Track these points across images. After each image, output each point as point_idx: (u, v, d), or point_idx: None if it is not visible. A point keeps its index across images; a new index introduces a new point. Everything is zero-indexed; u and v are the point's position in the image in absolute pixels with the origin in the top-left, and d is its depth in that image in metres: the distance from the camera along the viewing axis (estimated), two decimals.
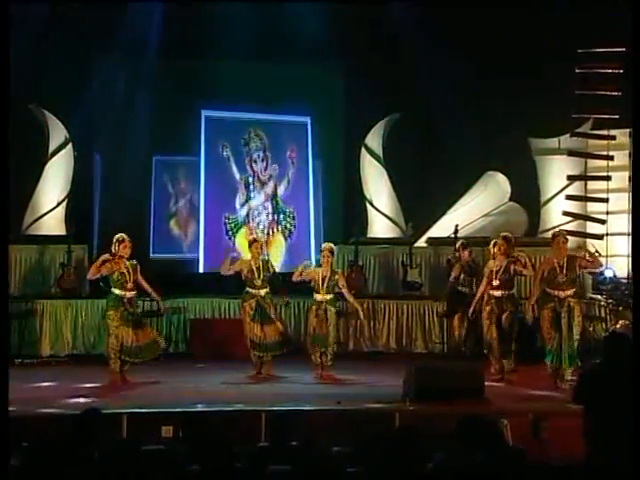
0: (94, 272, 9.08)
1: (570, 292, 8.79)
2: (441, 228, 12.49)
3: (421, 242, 12.38)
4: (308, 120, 12.78)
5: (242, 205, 12.60)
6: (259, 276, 9.32)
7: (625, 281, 10.55)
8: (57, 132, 12.36)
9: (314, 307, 9.38)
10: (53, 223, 12.28)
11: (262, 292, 9.35)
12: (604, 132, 11.88)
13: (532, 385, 8.93)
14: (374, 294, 11.82)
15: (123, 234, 8.98)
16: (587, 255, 8.92)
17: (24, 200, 12.18)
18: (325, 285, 9.30)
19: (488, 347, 9.20)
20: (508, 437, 6.27)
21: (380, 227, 12.91)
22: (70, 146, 12.36)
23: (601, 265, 9.68)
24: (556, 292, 8.78)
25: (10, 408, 7.11)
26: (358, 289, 11.61)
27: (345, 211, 12.83)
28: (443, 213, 12.61)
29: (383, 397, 7.99)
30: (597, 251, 9.26)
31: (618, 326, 9.63)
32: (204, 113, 12.56)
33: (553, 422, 6.89)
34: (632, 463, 3.98)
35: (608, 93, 11.53)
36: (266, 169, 12.77)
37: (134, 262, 9.01)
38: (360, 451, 4.74)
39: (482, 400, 7.81)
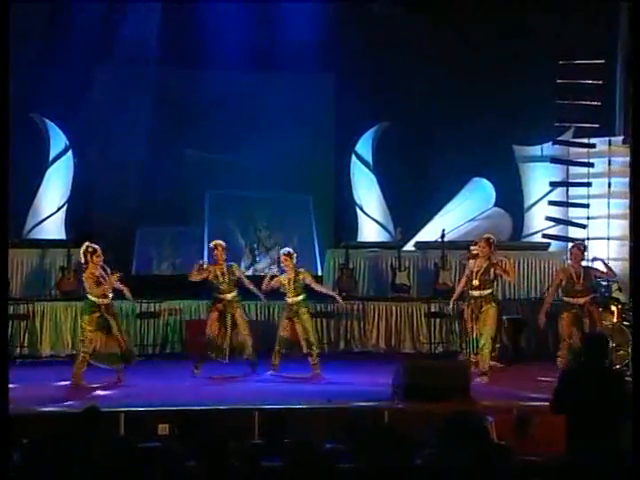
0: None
1: (588, 299, 9.19)
2: (428, 233, 12.50)
3: (409, 246, 12.38)
4: (310, 199, 12.73)
5: (247, 268, 12.41)
6: (223, 280, 9.30)
7: (605, 283, 10.56)
8: (57, 140, 12.33)
9: (286, 310, 9.45)
10: (53, 228, 12.24)
11: (229, 296, 9.34)
12: (585, 140, 11.93)
13: (516, 384, 8.95)
14: (364, 296, 11.80)
15: (94, 245, 8.93)
16: (602, 266, 9.46)
17: (26, 205, 12.15)
18: (292, 287, 9.33)
19: (468, 345, 9.20)
20: (493, 434, 6.27)
21: (370, 232, 12.91)
22: (70, 153, 12.33)
23: (615, 275, 10.04)
24: (574, 300, 9.23)
25: (11, 406, 7.11)
26: (349, 291, 11.62)
27: (336, 216, 12.82)
28: (430, 218, 12.62)
29: (373, 395, 7.99)
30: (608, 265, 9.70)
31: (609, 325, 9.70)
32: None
33: (536, 419, 6.90)
34: (632, 463, 3.91)
35: (588, 103, 11.60)
36: (270, 237, 12.77)
37: (116, 272, 8.92)
38: (351, 448, 4.74)
39: (468, 398, 7.81)
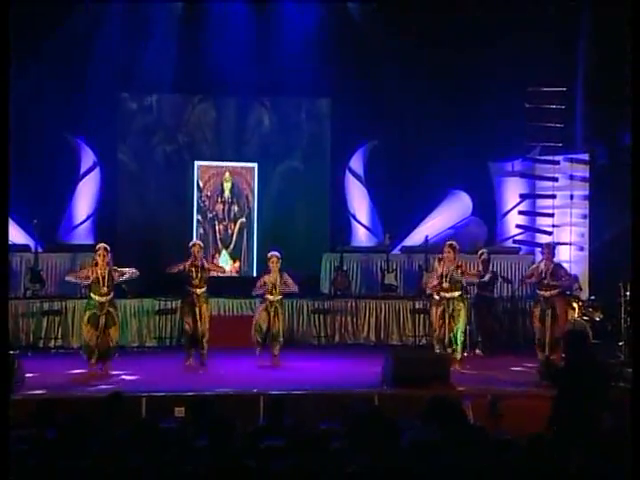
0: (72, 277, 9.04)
1: (554, 292, 9.11)
2: (414, 238, 12.48)
3: (397, 250, 12.36)
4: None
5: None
6: (196, 276, 9.12)
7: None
8: (87, 157, 12.31)
9: (266, 305, 9.30)
10: (83, 233, 12.21)
11: (198, 291, 9.15)
12: (550, 157, 11.94)
13: (491, 372, 8.94)
14: (357, 295, 11.78)
15: (100, 244, 8.85)
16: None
17: (60, 214, 12.13)
18: (277, 289, 9.27)
19: (439, 341, 9.10)
20: (470, 415, 6.26)
21: (362, 237, 12.89)
22: (98, 169, 12.31)
23: (575, 282, 10.18)
24: (542, 292, 9.19)
25: (45, 390, 7.10)
26: (343, 290, 11.61)
27: (332, 224, 12.78)
28: (416, 225, 12.60)
29: (364, 382, 7.98)
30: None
31: (572, 320, 9.70)
32: None
33: (507, 402, 6.89)
34: (632, 463, 3.87)
35: (552, 125, 11.62)
36: None
37: (112, 269, 8.75)
38: (344, 428, 4.73)
39: (448, 384, 7.80)
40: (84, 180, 12.30)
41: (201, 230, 12.57)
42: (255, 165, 12.69)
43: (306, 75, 11.74)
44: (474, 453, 4.21)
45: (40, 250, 11.21)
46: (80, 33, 11.55)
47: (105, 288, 8.65)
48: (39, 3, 11.01)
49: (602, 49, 11.14)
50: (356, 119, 12.19)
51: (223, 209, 12.64)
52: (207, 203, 12.62)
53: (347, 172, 12.85)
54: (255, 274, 11.99)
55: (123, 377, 8.56)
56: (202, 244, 9.50)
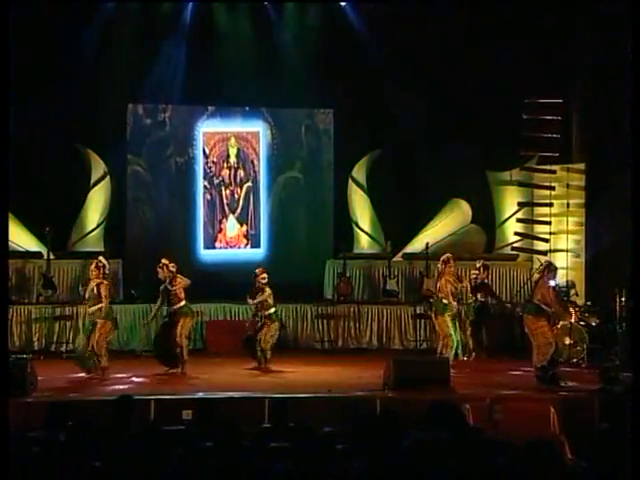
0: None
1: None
2: (415, 245, 12.48)
3: (398, 257, 12.37)
4: None
5: None
6: (169, 294, 9.10)
7: (564, 289, 10.53)
8: (97, 167, 12.34)
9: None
10: (94, 241, 12.23)
11: (174, 307, 9.09)
12: (547, 167, 11.95)
13: (490, 376, 8.93)
14: (359, 300, 11.78)
15: (96, 260, 8.98)
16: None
17: (71, 222, 12.14)
18: (271, 301, 9.33)
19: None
20: (469, 418, 6.26)
21: (364, 244, 12.89)
22: (108, 178, 12.34)
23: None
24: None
25: (53, 394, 7.10)
26: (346, 296, 11.63)
27: (335, 231, 12.79)
28: (416, 233, 12.60)
29: (367, 385, 7.97)
30: None
31: (559, 326, 9.65)
32: None
33: (505, 406, 6.88)
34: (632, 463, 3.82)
35: (549, 135, 11.63)
36: None
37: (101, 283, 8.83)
38: (347, 431, 4.73)
39: (448, 388, 7.79)
40: (95, 189, 12.33)
41: (208, 196, 12.44)
42: (260, 129, 12.55)
43: (309, 87, 11.81)
44: (473, 455, 4.21)
45: (52, 257, 11.24)
46: (91, 46, 11.58)
47: (90, 301, 8.82)
48: (52, 17, 11.10)
49: (597, 62, 11.18)
50: (359, 129, 12.23)
51: (229, 174, 12.50)
52: (213, 169, 12.48)
53: (350, 181, 12.88)
54: (262, 239, 12.01)
55: (132, 380, 8.56)
56: (168, 262, 9.20)
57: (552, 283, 8.65)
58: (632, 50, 4.61)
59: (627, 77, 4.62)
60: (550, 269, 8.60)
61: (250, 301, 9.41)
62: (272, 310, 9.36)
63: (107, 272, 9.07)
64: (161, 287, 9.17)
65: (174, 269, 9.17)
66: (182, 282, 9.13)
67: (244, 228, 12.53)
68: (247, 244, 12.58)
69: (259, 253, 12.51)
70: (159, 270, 9.13)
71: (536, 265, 9.41)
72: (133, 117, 12.30)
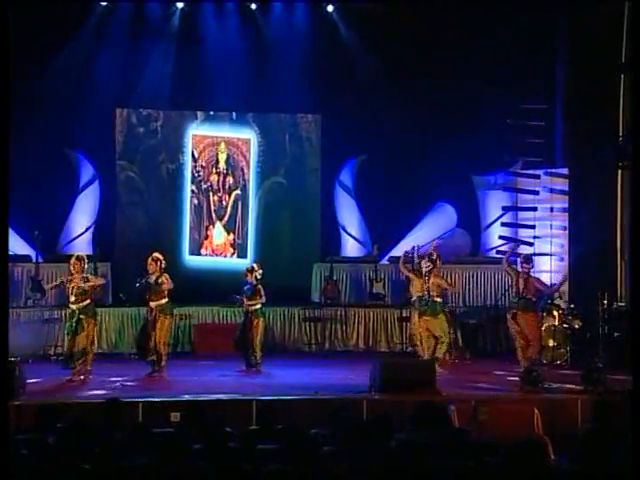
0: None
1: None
2: (401, 249, 12.48)
3: (385, 260, 12.39)
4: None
5: None
6: (151, 290, 9.00)
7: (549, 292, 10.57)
8: (86, 171, 12.30)
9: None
10: (82, 245, 12.17)
11: (152, 304, 8.94)
12: (531, 172, 12.01)
13: (475, 377, 8.96)
14: (346, 303, 11.79)
15: (76, 254, 8.92)
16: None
17: (59, 225, 12.09)
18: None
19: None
20: (454, 419, 6.27)
21: (351, 248, 12.91)
22: (97, 182, 12.29)
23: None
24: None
25: (42, 396, 7.07)
26: (333, 299, 11.63)
27: (322, 235, 12.81)
28: (403, 236, 12.62)
29: (353, 388, 7.98)
30: None
31: (543, 328, 9.70)
32: None
33: (489, 407, 6.90)
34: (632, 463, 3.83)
35: (533, 141, 11.69)
36: None
37: (83, 277, 8.72)
38: (334, 433, 4.73)
39: (434, 390, 7.80)
40: (83, 193, 12.28)
41: (195, 201, 12.26)
42: (251, 137, 12.41)
43: (296, 91, 11.81)
44: (458, 456, 4.22)
45: (41, 260, 11.18)
46: (80, 51, 11.59)
47: (73, 297, 8.69)
48: (43, 20, 11.06)
49: (579, 69, 11.26)
50: (345, 134, 12.25)
51: (218, 180, 12.27)
52: (202, 173, 12.28)
53: (337, 185, 12.89)
54: (248, 250, 11.94)
55: (121, 383, 8.52)
56: (161, 256, 9.04)
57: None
58: (632, 50, 4.61)
59: (610, 83, 4.64)
60: (527, 261, 9.15)
61: (246, 301, 9.34)
62: (258, 306, 9.33)
63: (86, 266, 8.93)
64: (147, 279, 8.95)
65: (164, 267, 9.08)
66: (166, 284, 8.98)
67: (231, 237, 12.38)
68: (233, 253, 12.42)
69: (246, 264, 12.43)
70: (151, 262, 8.95)
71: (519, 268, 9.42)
72: (126, 125, 12.23)
